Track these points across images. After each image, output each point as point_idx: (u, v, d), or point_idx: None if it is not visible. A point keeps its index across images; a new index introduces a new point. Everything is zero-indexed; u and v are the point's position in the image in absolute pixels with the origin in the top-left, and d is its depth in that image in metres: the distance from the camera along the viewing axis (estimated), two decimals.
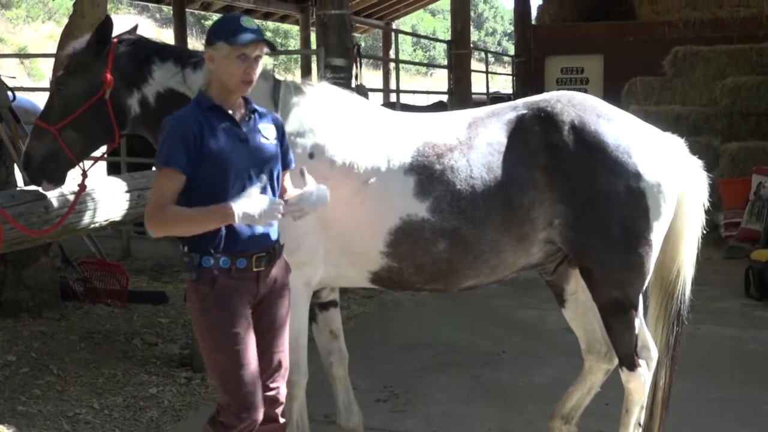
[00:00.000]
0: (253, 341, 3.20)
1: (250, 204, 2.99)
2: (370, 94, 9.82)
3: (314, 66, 10.14)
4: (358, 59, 9.26)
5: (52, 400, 4.95)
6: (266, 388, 3.30)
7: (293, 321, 3.81)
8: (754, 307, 7.21)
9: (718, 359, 5.78)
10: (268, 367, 3.31)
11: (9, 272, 6.44)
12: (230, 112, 3.18)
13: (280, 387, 3.36)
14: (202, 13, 17.21)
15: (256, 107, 3.29)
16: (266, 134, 3.25)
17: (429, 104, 16.43)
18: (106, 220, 4.82)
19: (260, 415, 3.21)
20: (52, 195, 4.23)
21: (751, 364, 5.69)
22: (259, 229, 3.17)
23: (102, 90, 3.67)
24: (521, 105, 3.85)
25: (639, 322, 3.85)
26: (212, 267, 3.11)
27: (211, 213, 3.03)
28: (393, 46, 18.99)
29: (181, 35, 14.59)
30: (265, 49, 3.16)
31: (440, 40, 29.95)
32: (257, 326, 3.25)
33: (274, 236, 3.26)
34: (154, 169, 3.18)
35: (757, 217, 9.55)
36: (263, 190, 3.14)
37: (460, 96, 12.06)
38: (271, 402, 3.32)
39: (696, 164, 3.94)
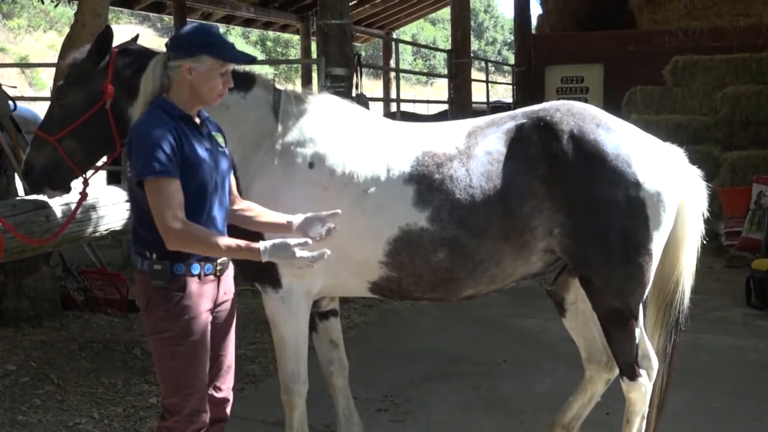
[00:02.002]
0: (209, 346, 3.24)
1: (281, 249, 3.06)
2: (370, 103, 9.83)
3: (315, 75, 10.14)
4: (358, 68, 9.28)
5: (52, 409, 4.95)
6: (218, 389, 3.39)
7: (293, 330, 3.83)
8: (755, 317, 7.20)
9: (719, 369, 5.76)
10: (220, 369, 3.39)
11: (9, 281, 6.44)
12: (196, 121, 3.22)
13: (230, 388, 3.45)
14: (204, 22, 17.26)
15: (207, 116, 3.31)
16: (221, 143, 3.30)
17: (434, 114, 16.41)
18: (107, 230, 4.82)
19: (208, 418, 3.28)
20: (53, 204, 4.23)
21: (752, 373, 5.67)
22: (221, 234, 3.21)
23: (102, 100, 3.67)
24: (521, 114, 3.85)
25: (639, 332, 3.84)
26: (184, 274, 3.14)
27: (240, 247, 3.08)
28: (393, 55, 19.02)
29: None
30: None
31: (440, 50, 30.00)
32: (213, 330, 3.29)
33: None
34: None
35: (757, 226, 9.55)
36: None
37: (460, 105, 12.07)
38: (223, 403, 3.41)
39: (695, 174, 3.94)
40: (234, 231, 3.37)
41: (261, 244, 3.08)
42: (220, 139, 3.31)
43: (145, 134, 3.05)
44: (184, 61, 3.10)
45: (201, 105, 3.20)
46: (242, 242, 3.11)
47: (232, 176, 3.39)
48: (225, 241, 3.09)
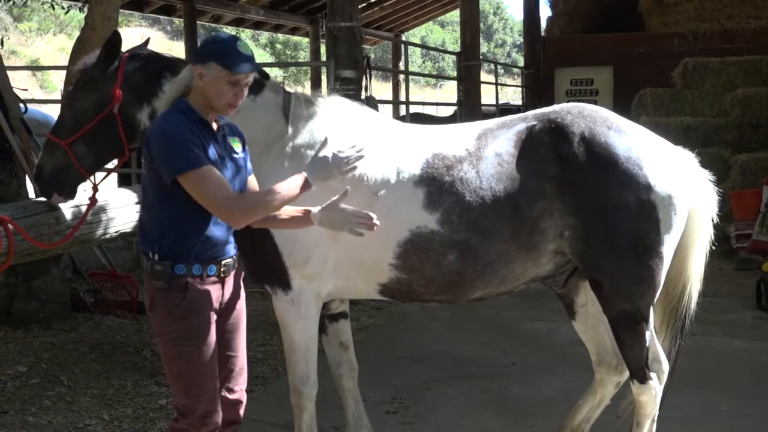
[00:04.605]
0: (215, 347, 3.24)
1: (320, 165, 3.20)
2: (379, 105, 9.84)
3: (324, 78, 10.16)
4: (367, 71, 9.29)
5: (62, 411, 4.97)
6: (230, 391, 3.39)
7: (303, 332, 3.83)
8: (765, 320, 7.16)
9: (729, 372, 5.74)
10: (232, 370, 3.39)
11: (20, 283, 6.46)
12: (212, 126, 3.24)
13: (243, 389, 3.45)
14: (213, 25, 17.32)
15: (225, 121, 3.33)
16: (236, 149, 3.31)
17: (447, 116, 16.38)
18: (117, 232, 4.84)
19: (220, 419, 3.28)
20: (64, 206, 4.25)
21: (762, 376, 5.65)
22: (226, 237, 3.23)
23: (111, 105, 3.69)
24: (531, 116, 3.85)
25: (650, 335, 3.83)
26: (185, 274, 3.15)
27: (297, 186, 3.16)
28: (402, 57, 19.04)
29: (192, 48, 14.65)
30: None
31: (450, 52, 29.97)
32: (221, 332, 3.30)
33: (234, 244, 3.33)
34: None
35: None
36: None
37: (469, 108, 12.06)
38: (236, 405, 3.41)
39: (706, 178, 3.92)
40: (242, 237, 3.39)
41: (306, 173, 3.19)
42: (237, 144, 3.31)
43: (171, 132, 3.09)
44: (197, 66, 3.15)
45: (214, 113, 3.20)
46: (291, 183, 3.17)
47: (252, 179, 3.40)
48: (279, 190, 3.14)
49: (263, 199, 3.15)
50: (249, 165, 3.40)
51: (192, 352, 3.18)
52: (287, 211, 3.36)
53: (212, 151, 3.14)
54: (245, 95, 3.21)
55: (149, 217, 3.23)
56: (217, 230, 3.18)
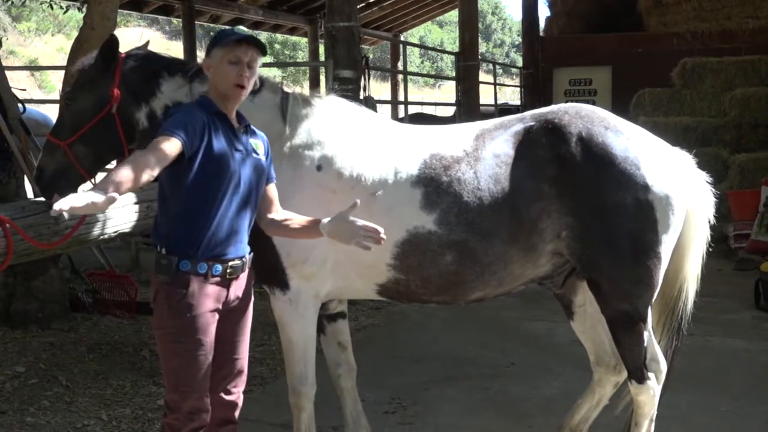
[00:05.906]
0: (212, 347, 3.24)
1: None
2: (378, 106, 9.85)
3: (323, 78, 10.17)
4: (366, 71, 9.30)
5: (61, 411, 4.97)
6: (227, 392, 3.39)
7: (301, 332, 3.83)
8: (764, 320, 7.16)
9: (729, 372, 5.74)
10: (230, 372, 3.40)
11: (18, 283, 6.46)
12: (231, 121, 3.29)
13: (240, 391, 3.46)
14: (212, 25, 17.32)
15: (249, 123, 3.38)
16: (257, 149, 3.34)
17: (449, 116, 16.38)
18: (116, 232, 4.84)
19: (208, 417, 3.29)
20: None
21: (762, 376, 5.65)
22: (234, 236, 3.23)
23: (109, 105, 3.69)
24: (529, 117, 3.85)
25: (648, 335, 3.83)
26: (189, 271, 3.16)
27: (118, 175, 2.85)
28: (401, 57, 19.08)
29: (190, 48, 14.66)
30: (260, 58, 3.27)
31: (448, 52, 29.96)
32: (222, 332, 3.30)
33: (247, 246, 3.33)
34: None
35: (766, 228, 9.51)
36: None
37: (468, 108, 12.06)
38: (232, 406, 3.42)
39: (703, 179, 3.92)
40: (255, 241, 3.41)
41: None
42: (260, 148, 3.36)
43: (181, 110, 3.23)
44: (205, 62, 3.28)
45: (226, 101, 3.25)
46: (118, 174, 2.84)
47: (273, 187, 3.43)
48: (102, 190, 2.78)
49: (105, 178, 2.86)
50: (273, 173, 3.44)
51: (187, 350, 3.18)
52: (299, 221, 3.39)
53: (226, 143, 3.19)
54: (251, 75, 3.24)
55: (161, 210, 3.27)
56: (225, 228, 3.19)
